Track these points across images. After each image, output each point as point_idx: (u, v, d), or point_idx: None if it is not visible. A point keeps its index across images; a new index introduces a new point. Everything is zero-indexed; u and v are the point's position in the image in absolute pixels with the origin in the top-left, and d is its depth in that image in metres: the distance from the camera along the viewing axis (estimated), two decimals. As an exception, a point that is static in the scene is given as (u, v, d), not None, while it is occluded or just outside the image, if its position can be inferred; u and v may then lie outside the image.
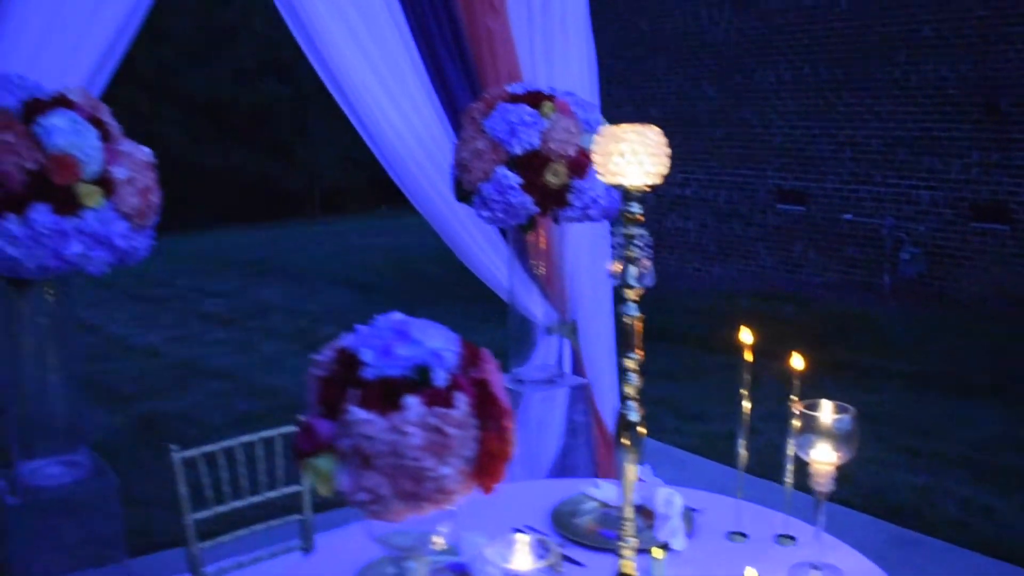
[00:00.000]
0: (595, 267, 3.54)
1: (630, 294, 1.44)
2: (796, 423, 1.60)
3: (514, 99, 2.63)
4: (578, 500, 1.99)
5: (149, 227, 2.05)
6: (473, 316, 9.09)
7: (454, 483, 1.07)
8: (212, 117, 19.95)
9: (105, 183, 1.90)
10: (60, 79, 2.47)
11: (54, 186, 1.82)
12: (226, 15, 20.16)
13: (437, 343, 1.10)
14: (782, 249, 9.17)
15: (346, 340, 1.16)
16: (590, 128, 2.61)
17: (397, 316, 1.19)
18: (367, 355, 1.09)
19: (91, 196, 1.86)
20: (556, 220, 2.75)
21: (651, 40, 10.23)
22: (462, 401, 1.08)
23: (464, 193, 2.70)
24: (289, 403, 6.08)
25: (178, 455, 2.08)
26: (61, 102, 1.92)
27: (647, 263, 1.44)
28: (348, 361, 1.12)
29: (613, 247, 1.43)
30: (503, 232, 3.21)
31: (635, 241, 1.42)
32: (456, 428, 1.06)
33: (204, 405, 6.15)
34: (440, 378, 1.09)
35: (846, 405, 1.60)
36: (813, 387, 1.71)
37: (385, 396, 1.06)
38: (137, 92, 17.44)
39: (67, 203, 1.83)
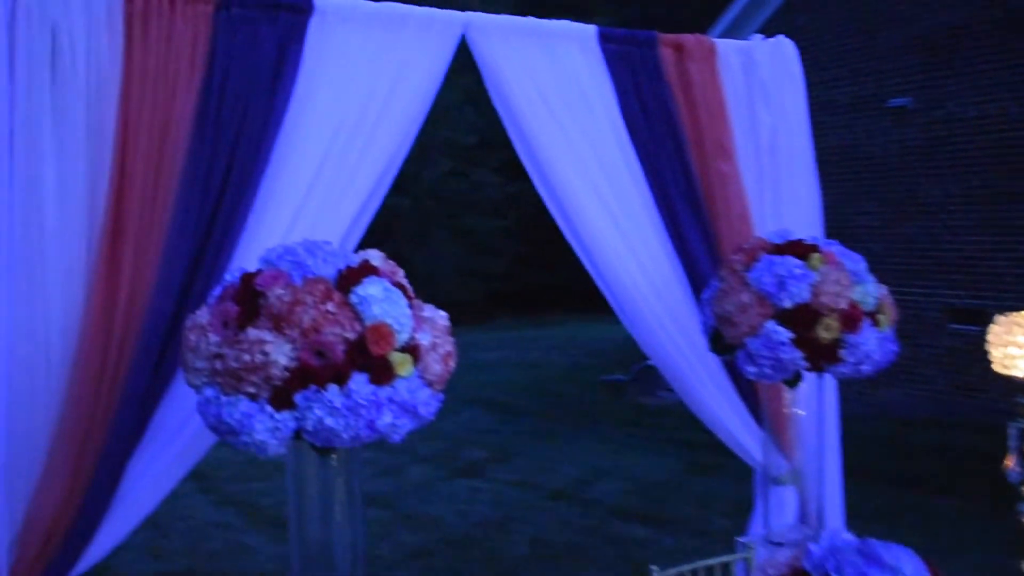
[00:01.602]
0: (820, 409, 3.44)
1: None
2: None
3: (776, 249, 2.61)
4: None
5: (442, 392, 2.07)
6: (614, 441, 8.98)
7: None
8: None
9: (413, 350, 1.94)
10: (321, 234, 2.61)
11: (371, 356, 1.86)
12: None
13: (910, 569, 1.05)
14: (958, 372, 8.80)
15: (814, 554, 1.11)
16: (859, 279, 2.57)
17: (848, 536, 1.14)
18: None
19: (403, 365, 1.89)
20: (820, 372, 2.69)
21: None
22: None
23: (724, 347, 2.66)
24: (453, 537, 6.05)
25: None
26: (368, 269, 1.98)
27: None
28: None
29: (1009, 441, 1.36)
30: (735, 381, 3.16)
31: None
32: None
33: (368, 534, 6.14)
34: None
35: None
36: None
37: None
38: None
39: (383, 373, 1.86)
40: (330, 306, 1.85)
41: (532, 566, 5.54)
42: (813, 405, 3.36)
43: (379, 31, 2.70)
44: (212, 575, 5.51)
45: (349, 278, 1.92)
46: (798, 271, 2.50)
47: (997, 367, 1.31)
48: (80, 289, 2.31)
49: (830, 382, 3.40)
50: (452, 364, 2.02)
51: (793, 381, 2.65)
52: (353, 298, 1.90)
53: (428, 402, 1.97)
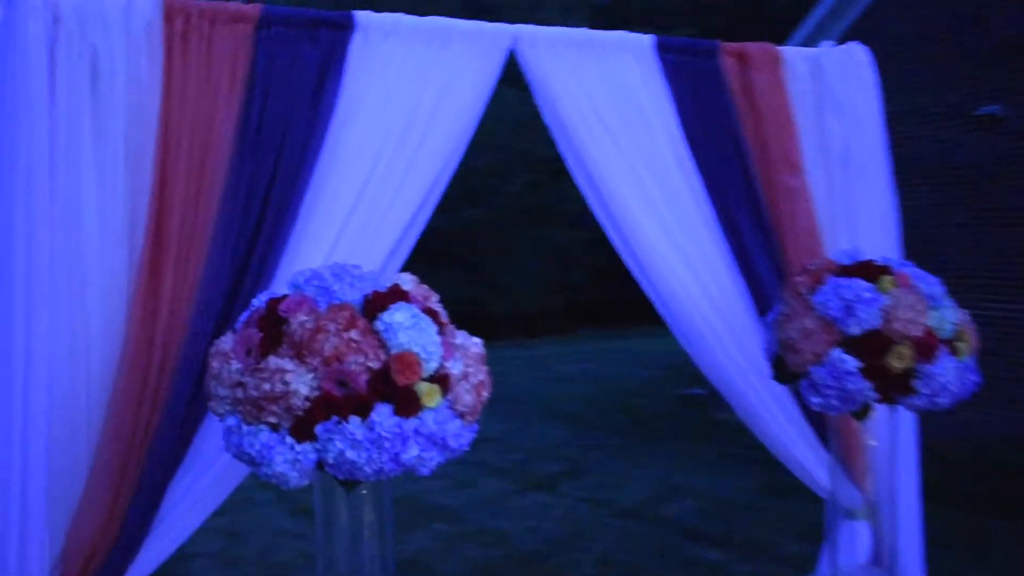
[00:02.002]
0: (896, 436, 3.22)
1: None
2: None
3: (844, 271, 2.42)
4: None
5: (476, 423, 1.95)
6: (692, 457, 8.73)
7: None
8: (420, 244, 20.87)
9: (442, 380, 1.82)
10: (363, 255, 2.52)
11: (396, 386, 1.75)
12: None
13: None
14: (1055, 392, 8.31)
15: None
16: (935, 304, 2.36)
17: None
18: None
19: (431, 395, 1.78)
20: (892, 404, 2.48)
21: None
22: None
23: (788, 375, 2.48)
24: (519, 553, 5.92)
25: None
26: (397, 294, 1.87)
27: None
28: None
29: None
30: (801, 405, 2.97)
31: None
32: None
33: (433, 550, 6.07)
34: None
35: None
36: None
37: None
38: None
39: (409, 404, 1.75)
40: (354, 333, 1.76)
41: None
42: (889, 433, 3.15)
43: (423, 46, 2.61)
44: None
45: (375, 304, 1.82)
46: (867, 295, 2.31)
47: None
48: (120, 313, 2.27)
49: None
50: (485, 394, 1.91)
51: (862, 413, 2.45)
52: (379, 325, 1.80)
53: (459, 434, 1.86)
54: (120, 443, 2.23)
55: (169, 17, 2.30)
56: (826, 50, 3.18)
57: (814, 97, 3.12)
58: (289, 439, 1.74)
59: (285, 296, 1.88)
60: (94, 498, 2.22)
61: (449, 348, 1.87)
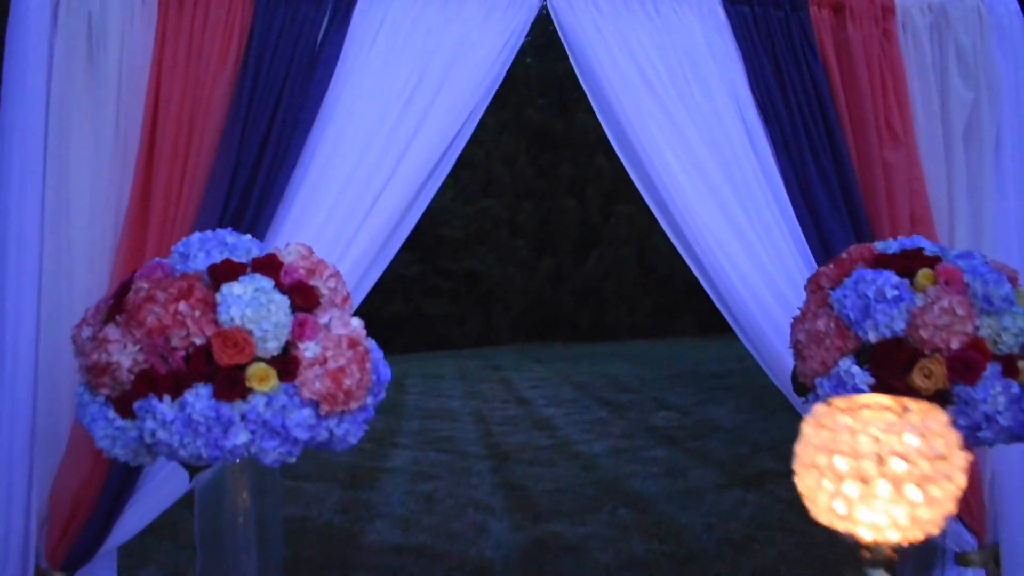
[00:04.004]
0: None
1: None
2: None
3: (879, 261, 1.81)
4: None
5: (355, 411, 1.65)
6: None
7: None
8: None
9: (287, 363, 1.54)
10: (356, 229, 2.28)
11: (220, 367, 1.50)
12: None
13: None
14: None
15: None
16: (993, 308, 1.70)
17: None
18: None
19: (264, 378, 1.51)
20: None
21: None
22: None
23: (799, 385, 1.92)
24: (683, 552, 5.41)
25: None
26: (264, 265, 1.62)
27: None
28: None
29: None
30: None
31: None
32: None
33: (602, 537, 5.70)
34: None
35: None
36: None
37: None
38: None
39: (231, 386, 1.49)
40: (182, 306, 1.53)
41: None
42: (1016, 455, 2.42)
43: (436, 7, 2.30)
44: (441, 554, 5.39)
45: (219, 273, 1.57)
46: (892, 292, 1.70)
47: (820, 515, 0.65)
48: (104, 274, 2.20)
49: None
50: (349, 382, 1.59)
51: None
52: (218, 297, 1.54)
53: (311, 424, 1.56)
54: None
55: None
56: (955, -1, 2.47)
57: (935, 56, 2.44)
58: (112, 413, 1.54)
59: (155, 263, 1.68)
60: (75, 461, 2.17)
61: (307, 328, 1.58)
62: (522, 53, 2.48)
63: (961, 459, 0.75)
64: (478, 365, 17.52)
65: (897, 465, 0.72)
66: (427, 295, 22.12)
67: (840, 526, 0.71)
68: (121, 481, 2.19)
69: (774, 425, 9.53)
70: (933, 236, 2.39)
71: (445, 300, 22.64)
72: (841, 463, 0.72)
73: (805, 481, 0.74)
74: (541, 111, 22.96)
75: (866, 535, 0.68)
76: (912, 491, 0.74)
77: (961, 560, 2.50)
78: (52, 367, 2.17)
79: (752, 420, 9.95)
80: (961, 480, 0.75)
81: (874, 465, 0.71)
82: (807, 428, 0.75)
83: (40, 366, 2.16)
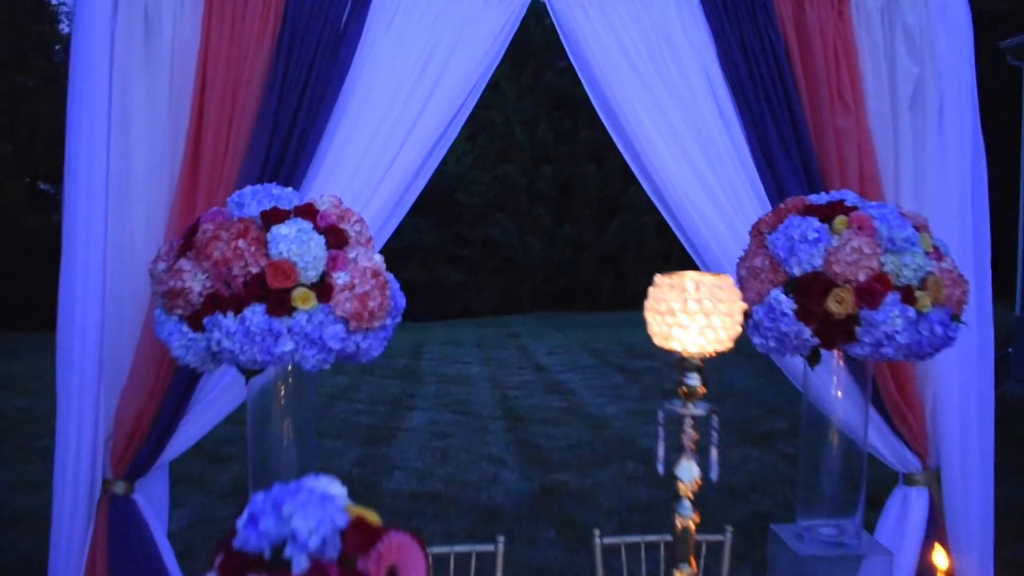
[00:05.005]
0: (972, 392, 2.92)
1: (684, 490, 1.15)
2: None
3: (808, 211, 2.27)
4: None
5: (377, 329, 2.14)
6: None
7: None
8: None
9: (324, 288, 2.03)
10: (379, 183, 2.76)
11: (271, 289, 1.99)
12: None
13: (305, 522, 0.98)
14: None
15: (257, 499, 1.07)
16: (896, 248, 2.15)
17: (308, 482, 1.07)
18: (240, 521, 1.01)
19: (305, 300, 2.00)
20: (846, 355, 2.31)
21: None
22: (311, 596, 0.94)
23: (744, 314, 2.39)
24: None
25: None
26: (304, 212, 2.10)
27: (714, 452, 1.14)
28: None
29: (661, 427, 1.16)
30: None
31: (689, 425, 1.13)
32: (289, 630, 0.92)
33: (608, 486, 6.22)
34: (298, 563, 0.96)
35: None
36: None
37: (236, 570, 0.97)
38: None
39: (280, 305, 1.98)
40: (240, 243, 2.01)
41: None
42: (959, 391, 2.87)
43: (443, -6, 2.76)
44: (453, 501, 5.92)
45: (271, 218, 2.06)
46: (813, 235, 2.17)
47: (658, 340, 1.08)
48: (159, 226, 2.68)
49: (978, 360, 2.87)
50: (372, 304, 2.07)
51: (812, 358, 2.30)
52: (269, 236, 2.03)
53: (343, 337, 2.05)
54: (156, 340, 2.66)
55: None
56: (901, -19, 2.89)
57: (885, 35, 2.87)
58: (185, 327, 2.04)
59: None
60: (137, 386, 2.66)
61: (339, 261, 2.07)
62: (541, 15, 2.90)
63: (739, 306, 1.17)
64: (496, 333, 18.06)
65: (699, 308, 1.14)
66: (445, 263, 22.54)
67: (668, 345, 1.16)
68: (176, 403, 2.69)
69: (788, 388, 9.96)
70: (880, 192, 2.85)
71: (463, 268, 23.04)
72: (668, 307, 1.14)
73: (651, 323, 1.17)
74: (560, 75, 23.15)
75: (684, 349, 1.10)
76: (708, 321, 1.17)
77: (908, 480, 2.96)
78: (116, 304, 2.67)
79: (766, 384, 10.41)
80: (739, 318, 1.18)
81: (685, 307, 1.12)
82: (652, 291, 1.19)
83: (106, 304, 2.65)
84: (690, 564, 1.21)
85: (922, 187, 2.87)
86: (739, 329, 1.14)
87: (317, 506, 1.00)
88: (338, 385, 10.23)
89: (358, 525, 1.01)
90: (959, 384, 2.91)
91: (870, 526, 3.14)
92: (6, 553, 4.98)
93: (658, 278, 1.20)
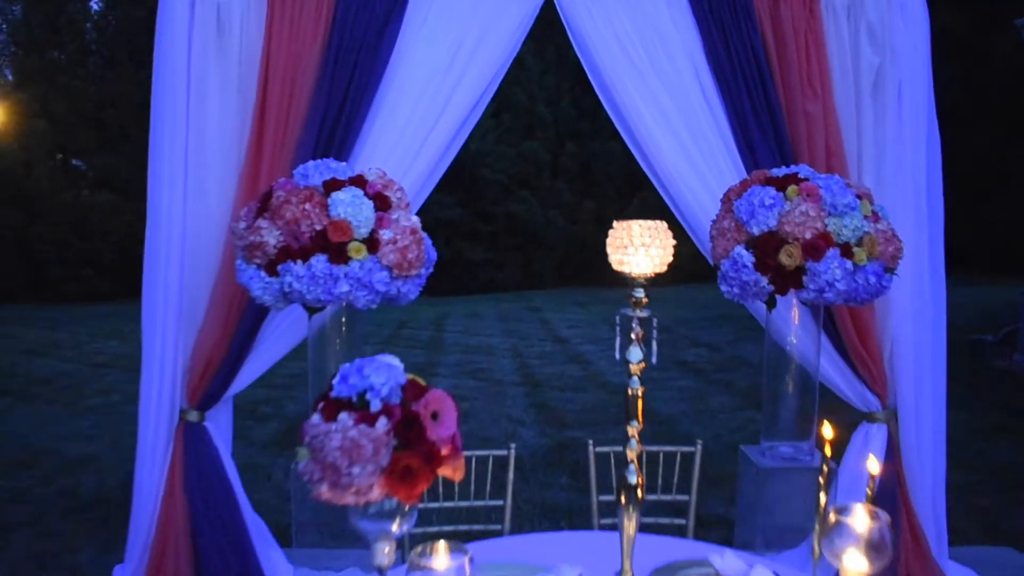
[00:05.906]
0: (925, 343, 3.42)
1: (634, 369, 1.69)
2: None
3: (768, 181, 2.80)
4: (698, 563, 2.17)
5: (414, 277, 2.70)
6: (964, 410, 8.43)
7: (365, 483, 1.48)
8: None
9: (371, 242, 2.59)
10: (413, 157, 3.31)
11: (331, 243, 2.55)
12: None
13: (379, 378, 1.53)
14: None
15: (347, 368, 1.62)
16: (837, 212, 2.67)
17: (378, 357, 1.62)
18: (336, 379, 1.56)
19: (358, 251, 2.56)
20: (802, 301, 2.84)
21: None
22: (383, 423, 1.49)
23: (713, 268, 2.93)
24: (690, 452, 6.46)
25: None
26: (356, 181, 2.66)
27: (654, 344, 1.68)
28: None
29: (618, 327, 1.70)
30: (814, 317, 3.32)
31: (637, 323, 1.67)
32: (371, 441, 1.48)
33: (619, 442, 6.75)
34: (374, 404, 1.51)
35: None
36: None
37: (334, 410, 1.52)
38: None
39: (340, 255, 2.55)
40: (307, 206, 2.58)
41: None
42: (914, 336, 3.36)
43: (469, -6, 3.31)
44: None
45: (329, 186, 2.62)
46: (769, 201, 2.70)
47: (614, 265, 1.58)
48: (230, 194, 3.24)
49: (931, 314, 3.37)
50: (411, 256, 2.63)
51: (769, 303, 2.84)
52: (329, 200, 2.59)
53: (387, 282, 2.61)
54: (229, 284, 3.23)
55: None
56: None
57: (851, 30, 3.37)
58: (263, 273, 2.61)
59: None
60: (211, 329, 3.24)
61: (384, 221, 2.63)
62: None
63: (669, 242, 1.67)
64: (518, 307, 18.61)
65: (641, 242, 1.65)
66: (468, 238, 23.05)
67: (621, 268, 1.68)
68: (242, 343, 3.27)
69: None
70: (844, 166, 3.36)
71: (486, 244, 23.54)
72: (621, 243, 1.65)
73: (611, 254, 1.68)
74: (584, 51, 23.45)
75: (631, 271, 1.62)
76: (648, 252, 1.67)
77: (868, 418, 3.49)
78: (194, 258, 3.24)
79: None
80: (670, 247, 1.69)
81: (631, 242, 1.63)
82: (611, 232, 1.71)
83: (185, 259, 3.22)
84: (638, 420, 1.75)
85: (882, 162, 3.38)
86: (670, 258, 1.67)
87: (386, 369, 1.56)
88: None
89: (413, 383, 1.57)
90: (913, 334, 3.43)
91: (838, 457, 3.67)
92: (75, 492, 5.64)
93: (616, 223, 1.72)
